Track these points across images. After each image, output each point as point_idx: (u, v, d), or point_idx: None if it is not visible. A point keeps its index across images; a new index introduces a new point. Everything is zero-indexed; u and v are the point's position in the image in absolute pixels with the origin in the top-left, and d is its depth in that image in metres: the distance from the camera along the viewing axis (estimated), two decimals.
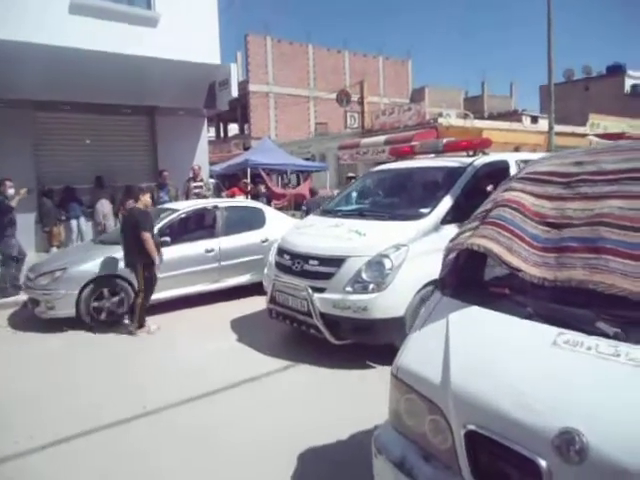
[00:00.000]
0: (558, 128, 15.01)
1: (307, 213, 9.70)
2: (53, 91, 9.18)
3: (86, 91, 9.45)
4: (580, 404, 1.36)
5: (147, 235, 5.44)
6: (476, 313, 1.82)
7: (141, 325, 5.63)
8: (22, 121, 10.07)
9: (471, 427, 1.54)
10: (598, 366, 1.41)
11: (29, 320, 6.04)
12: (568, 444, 1.29)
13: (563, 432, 1.31)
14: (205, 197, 9.78)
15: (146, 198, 5.80)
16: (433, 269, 3.50)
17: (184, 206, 7.13)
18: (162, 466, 2.97)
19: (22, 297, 6.55)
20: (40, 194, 10.26)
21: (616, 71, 34.09)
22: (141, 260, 5.52)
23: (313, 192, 11.75)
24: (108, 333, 5.71)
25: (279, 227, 6.77)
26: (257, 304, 6.22)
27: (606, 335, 1.48)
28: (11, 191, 7.42)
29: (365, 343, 4.48)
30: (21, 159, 10.06)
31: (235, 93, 10.94)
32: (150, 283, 5.67)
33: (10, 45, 8.51)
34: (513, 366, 1.56)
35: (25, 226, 10.10)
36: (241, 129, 34.39)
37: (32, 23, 9.05)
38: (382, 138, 18.20)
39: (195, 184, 10.20)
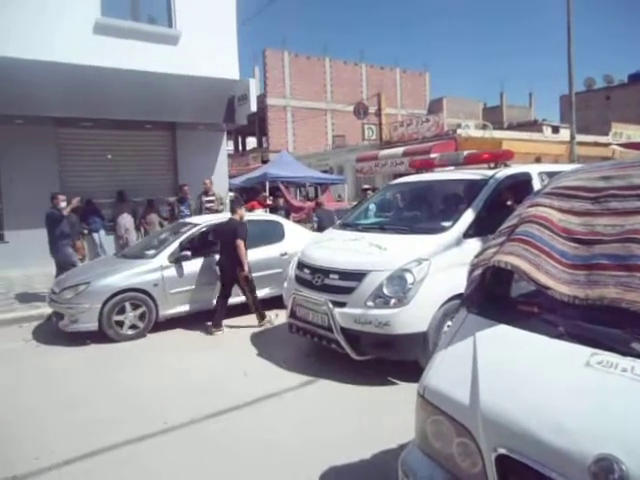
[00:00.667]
0: (580, 138, 14.80)
1: (319, 224, 9.76)
2: (75, 108, 9.44)
3: (107, 108, 9.70)
4: (617, 429, 1.31)
5: (241, 243, 6.11)
6: (504, 332, 1.78)
7: (262, 317, 6.24)
8: (45, 137, 10.36)
9: (502, 451, 1.49)
10: (635, 389, 1.36)
11: (53, 333, 6.13)
12: (607, 472, 1.25)
13: (600, 459, 1.27)
14: (217, 212, 9.78)
15: (242, 211, 6.57)
16: (456, 283, 3.49)
17: (204, 220, 7.19)
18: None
19: (47, 310, 6.64)
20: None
21: (638, 79, 33.56)
22: (235, 264, 6.10)
23: (318, 203, 11.71)
24: (129, 347, 5.75)
25: (298, 240, 6.77)
26: (277, 318, 6.23)
27: None
28: (63, 204, 7.84)
29: (387, 359, 4.43)
30: (45, 174, 10.33)
31: (254, 108, 11.09)
32: (251, 280, 6.26)
33: (31, 64, 8.79)
34: (545, 388, 1.52)
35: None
36: (259, 142, 34.75)
37: (57, 43, 9.33)
38: (400, 150, 18.20)
39: (207, 198, 10.10)
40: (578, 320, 1.69)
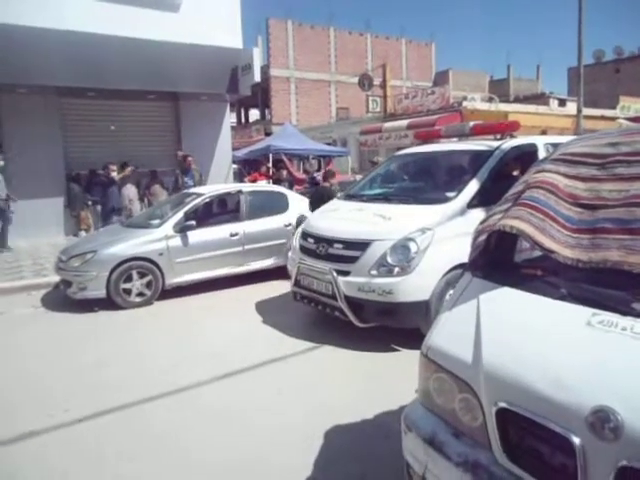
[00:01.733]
0: (587, 111, 14.65)
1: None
2: (77, 77, 9.36)
3: (110, 77, 9.61)
4: (614, 383, 1.36)
5: None
6: (508, 294, 1.83)
7: None
8: (48, 107, 10.31)
9: (502, 404, 1.55)
10: (633, 346, 1.41)
11: (61, 301, 6.23)
12: (603, 422, 1.31)
13: (597, 410, 1.32)
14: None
15: (333, 180, 7.38)
16: (459, 253, 3.53)
17: (209, 190, 7.22)
18: (189, 445, 3.06)
19: (54, 278, 6.74)
20: (68, 179, 10.50)
21: None
22: None
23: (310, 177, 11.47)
24: (137, 314, 5.86)
25: (302, 211, 6.82)
26: (281, 287, 6.30)
27: None
28: (114, 174, 9.38)
29: (390, 326, 4.51)
30: (50, 145, 10.33)
31: (258, 78, 10.97)
32: None
33: (32, 31, 8.70)
34: (546, 345, 1.57)
35: (55, 211, 10.45)
36: (262, 114, 34.41)
37: (56, 10, 9.18)
38: (405, 122, 18.04)
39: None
40: (581, 282, 1.73)
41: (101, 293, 5.88)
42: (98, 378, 4.06)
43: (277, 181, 12.70)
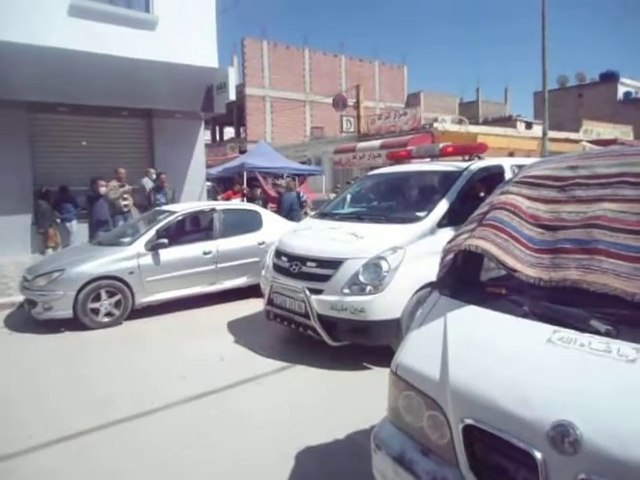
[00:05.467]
0: (552, 134, 15.19)
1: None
2: (47, 92, 9.21)
3: (82, 93, 9.50)
4: (573, 398, 1.41)
5: None
6: (474, 312, 1.88)
7: None
8: (17, 122, 10.10)
9: (469, 421, 1.59)
10: (591, 362, 1.46)
11: (26, 321, 6.04)
12: (562, 436, 1.35)
13: (557, 425, 1.37)
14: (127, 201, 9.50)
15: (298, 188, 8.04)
16: (429, 272, 3.58)
17: (182, 208, 7.16)
18: (158, 465, 2.99)
19: (18, 298, 6.54)
20: (36, 195, 10.26)
21: (609, 78, 34.46)
22: None
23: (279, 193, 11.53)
24: (105, 334, 5.72)
25: (276, 230, 6.81)
26: (254, 306, 6.26)
27: (599, 332, 1.54)
28: (103, 189, 9.12)
29: (362, 345, 4.53)
30: (17, 160, 10.09)
31: (233, 96, 11.02)
32: None
33: (5, 46, 8.53)
34: (509, 362, 1.61)
35: (21, 228, 10.16)
36: (237, 132, 34.46)
37: (30, 24, 9.08)
38: (378, 142, 18.33)
39: (123, 189, 9.58)
40: (542, 300, 1.79)
41: (68, 313, 5.73)
42: (61, 402, 3.93)
43: (251, 199, 12.71)
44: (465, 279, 2.11)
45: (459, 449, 1.64)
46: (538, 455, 1.39)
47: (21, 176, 10.19)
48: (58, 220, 9.99)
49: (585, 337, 1.54)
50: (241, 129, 33.41)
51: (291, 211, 10.44)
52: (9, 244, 9.59)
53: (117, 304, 5.99)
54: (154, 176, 10.60)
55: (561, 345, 1.55)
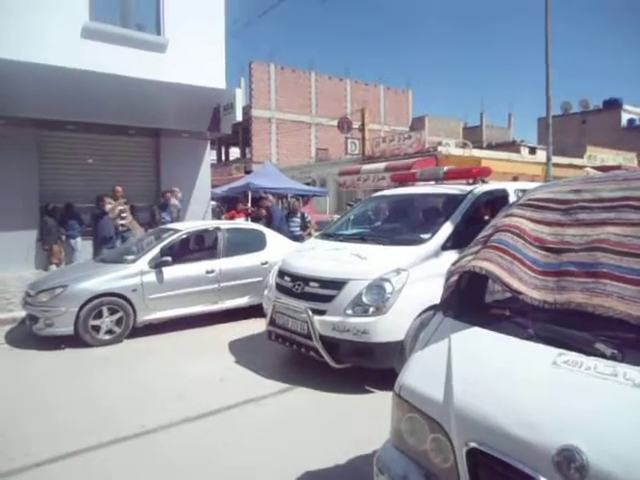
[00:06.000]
0: (556, 159, 15.27)
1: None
2: (57, 111, 9.38)
3: (91, 112, 9.66)
4: (579, 422, 1.39)
5: None
6: (478, 334, 1.86)
7: None
8: (26, 139, 10.26)
9: (473, 444, 1.56)
10: (597, 385, 1.45)
11: (27, 337, 6.02)
12: (568, 461, 1.33)
13: (563, 449, 1.34)
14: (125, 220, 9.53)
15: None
16: (433, 294, 3.57)
17: (186, 227, 7.20)
18: None
19: (20, 313, 6.53)
20: (43, 212, 10.34)
21: (613, 105, 34.83)
22: None
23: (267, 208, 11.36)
24: (105, 352, 5.69)
25: (279, 250, 6.82)
26: (256, 326, 6.23)
27: (604, 356, 1.53)
28: (108, 206, 9.24)
29: (364, 367, 4.48)
30: (25, 176, 10.22)
31: (239, 117, 11.17)
32: None
33: (18, 65, 8.73)
34: (514, 385, 1.60)
35: (26, 244, 10.21)
36: (242, 153, 34.80)
37: (45, 45, 9.31)
38: (382, 165, 18.47)
39: (120, 207, 9.58)
40: (547, 323, 1.78)
41: (69, 330, 5.71)
42: (61, 420, 3.89)
43: (256, 219, 12.75)
44: (469, 301, 2.11)
45: (463, 473, 1.61)
46: None
47: (28, 192, 10.31)
48: (63, 237, 10.04)
49: (591, 360, 1.53)
50: (247, 150, 33.74)
51: (281, 225, 10.33)
52: (13, 260, 9.64)
53: (118, 322, 5.97)
54: (180, 194, 10.72)
55: (566, 368, 1.54)
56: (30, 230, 10.35)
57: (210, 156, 13.98)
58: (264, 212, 11.05)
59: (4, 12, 9.16)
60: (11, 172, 9.99)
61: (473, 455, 1.57)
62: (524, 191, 4.89)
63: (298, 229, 10.47)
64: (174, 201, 10.54)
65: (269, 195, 12.27)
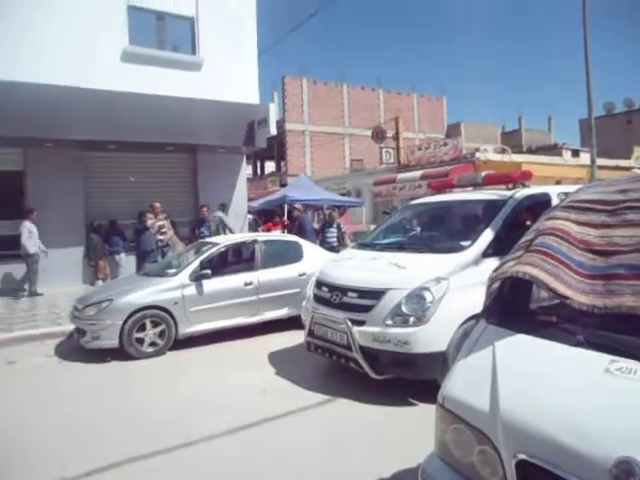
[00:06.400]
0: (601, 162, 14.72)
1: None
2: (101, 131, 9.82)
3: (131, 131, 10.05)
4: (637, 433, 1.31)
5: None
6: (523, 341, 1.80)
7: None
8: (72, 160, 10.74)
9: (522, 456, 1.50)
10: None
11: (75, 350, 6.24)
12: (627, 474, 1.25)
13: (621, 461, 1.27)
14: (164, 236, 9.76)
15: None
16: (475, 303, 3.47)
17: (224, 240, 7.32)
18: None
19: (69, 327, 6.77)
20: (88, 229, 10.76)
21: None
22: None
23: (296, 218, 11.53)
24: (149, 364, 5.82)
25: (316, 261, 6.82)
26: (295, 338, 6.23)
27: None
28: (150, 222, 9.71)
29: (406, 378, 4.40)
30: (72, 196, 10.67)
31: (274, 131, 11.34)
32: None
33: (64, 90, 9.17)
34: (565, 394, 1.53)
35: (74, 260, 10.63)
36: (277, 166, 35.25)
37: (88, 70, 9.75)
38: (418, 173, 18.29)
39: (159, 223, 9.89)
40: (597, 329, 1.71)
41: (114, 343, 5.88)
42: (108, 431, 3.99)
43: (291, 231, 12.83)
44: (513, 307, 2.04)
45: None
46: None
47: (74, 211, 10.75)
48: (108, 253, 10.41)
49: None
50: (281, 163, 34.17)
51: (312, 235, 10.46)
52: (61, 276, 10.04)
53: (161, 334, 6.11)
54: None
55: (620, 376, 1.46)
56: (77, 247, 10.77)
57: (246, 170, 14.22)
58: (295, 222, 11.13)
59: (48, 40, 9.66)
60: (59, 192, 10.46)
61: (523, 467, 1.51)
62: (567, 194, 4.75)
63: (335, 240, 10.49)
64: (219, 213, 10.98)
65: (298, 205, 12.39)
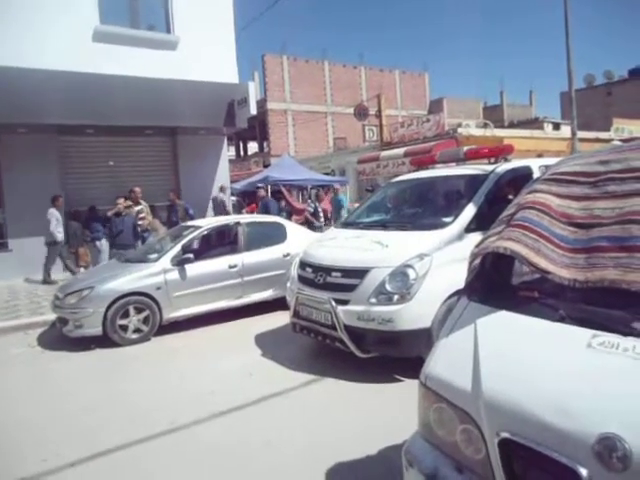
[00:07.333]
0: (581, 134, 14.77)
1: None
2: (76, 115, 9.52)
3: (108, 114, 9.77)
4: (619, 408, 1.30)
5: None
6: (505, 317, 1.77)
7: None
8: (47, 146, 10.43)
9: (505, 435, 1.48)
10: (636, 367, 1.35)
11: (58, 339, 6.14)
12: (610, 450, 1.23)
13: (603, 438, 1.25)
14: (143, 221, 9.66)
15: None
16: (459, 278, 3.45)
17: (206, 223, 7.21)
18: None
19: (51, 317, 6.66)
20: (67, 216, 10.52)
21: (639, 74, 33.48)
22: None
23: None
24: (134, 351, 5.76)
25: (300, 241, 6.76)
26: (280, 319, 6.21)
27: None
28: (119, 206, 9.18)
29: (391, 356, 4.41)
30: (49, 182, 10.39)
31: (254, 111, 11.12)
32: None
33: (35, 73, 8.85)
34: (547, 370, 1.51)
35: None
36: (260, 147, 34.85)
37: (57, 51, 9.39)
38: (401, 150, 18.20)
39: (137, 208, 9.68)
40: (579, 303, 1.68)
41: (97, 330, 5.79)
42: (93, 419, 3.95)
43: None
44: (495, 283, 2.01)
45: (496, 465, 1.53)
46: (583, 472, 1.28)
47: (51, 196, 10.48)
48: (88, 239, 10.21)
49: (629, 341, 1.42)
50: (264, 143, 33.76)
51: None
52: (42, 264, 9.83)
53: (145, 320, 6.03)
54: (228, 190, 12.06)
55: (603, 350, 1.44)
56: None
57: (228, 152, 14.02)
58: (283, 204, 11.16)
59: (14, 21, 9.28)
60: (35, 179, 10.19)
61: (506, 446, 1.49)
62: (548, 167, 4.73)
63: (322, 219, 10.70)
64: (220, 195, 11.53)
65: (263, 187, 12.67)
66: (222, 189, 12.03)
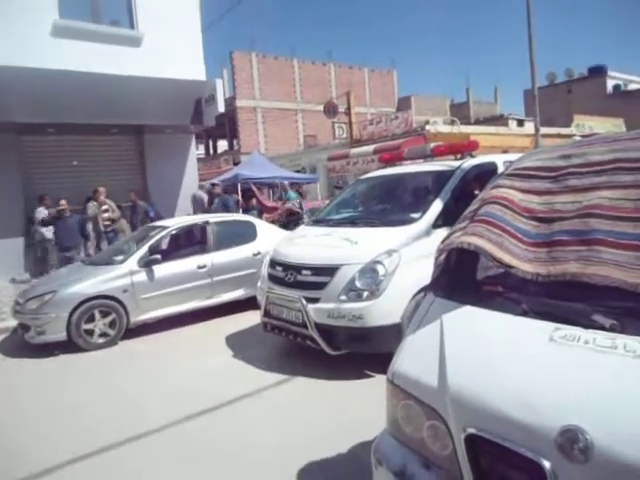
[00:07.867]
0: (544, 130, 15.16)
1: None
2: (37, 114, 9.18)
3: (71, 112, 9.45)
4: (580, 400, 1.31)
5: None
6: (470, 313, 1.78)
7: None
8: (7, 145, 10.02)
9: (471, 430, 1.48)
10: (596, 359, 1.37)
11: (20, 346, 5.92)
12: (572, 443, 1.24)
13: (565, 430, 1.26)
14: (114, 221, 9.62)
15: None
16: (427, 274, 3.48)
17: (174, 223, 7.07)
18: None
19: (12, 323, 6.42)
20: (29, 219, 10.17)
21: (598, 72, 34.60)
22: None
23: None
24: (100, 355, 5.61)
25: (271, 240, 6.70)
26: (251, 319, 6.14)
27: (603, 328, 1.44)
28: (60, 207, 8.80)
29: (362, 352, 4.41)
30: (8, 183, 10.00)
31: (222, 108, 10.97)
32: None
33: None
34: (510, 364, 1.51)
35: (14, 251, 10.04)
36: (230, 145, 34.45)
37: (15, 47, 9.02)
38: (371, 147, 18.29)
39: (103, 207, 9.63)
40: (542, 297, 1.70)
41: (61, 336, 5.60)
42: (54, 429, 3.82)
43: (246, 210, 12.63)
44: (460, 279, 2.02)
45: (462, 460, 1.53)
46: (547, 464, 1.29)
47: (12, 200, 10.11)
48: (53, 242, 9.87)
49: (589, 333, 1.44)
50: (234, 141, 33.39)
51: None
52: (2, 268, 9.49)
53: (112, 324, 5.88)
54: (209, 186, 12.09)
55: (564, 343, 1.45)
56: (17, 238, 10.18)
57: (197, 150, 13.81)
58: (254, 203, 11.05)
59: None
60: None
61: (472, 441, 1.49)
62: (512, 162, 4.80)
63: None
64: (200, 193, 11.61)
65: (219, 184, 12.62)
66: (202, 188, 12.03)
